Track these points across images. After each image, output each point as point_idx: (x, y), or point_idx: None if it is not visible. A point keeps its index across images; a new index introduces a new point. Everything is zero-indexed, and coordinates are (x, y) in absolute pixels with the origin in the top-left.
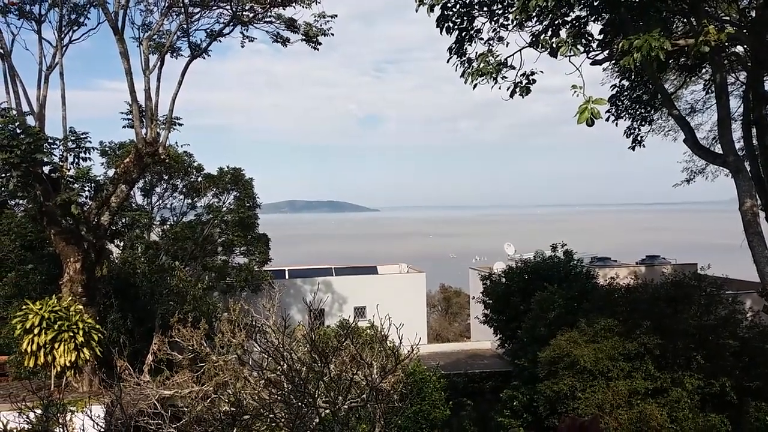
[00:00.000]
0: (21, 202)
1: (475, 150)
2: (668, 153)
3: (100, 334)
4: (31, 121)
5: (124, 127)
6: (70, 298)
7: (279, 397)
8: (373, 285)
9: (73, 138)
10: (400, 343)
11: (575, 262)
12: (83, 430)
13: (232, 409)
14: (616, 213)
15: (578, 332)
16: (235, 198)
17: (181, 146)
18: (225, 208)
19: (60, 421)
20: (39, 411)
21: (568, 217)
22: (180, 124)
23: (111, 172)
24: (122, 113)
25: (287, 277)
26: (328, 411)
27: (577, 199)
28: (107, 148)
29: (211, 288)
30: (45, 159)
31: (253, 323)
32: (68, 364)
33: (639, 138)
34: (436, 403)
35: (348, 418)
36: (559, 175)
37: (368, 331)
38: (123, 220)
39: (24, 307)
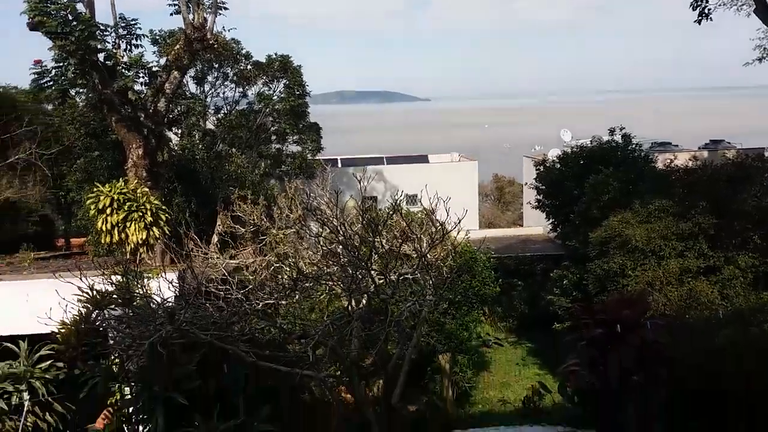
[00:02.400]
0: (81, 91)
1: (535, 34)
2: (744, 34)
3: (167, 215)
4: (81, 8)
5: (171, 14)
6: (135, 182)
7: (336, 267)
8: (424, 174)
9: (123, 25)
10: (448, 215)
11: (633, 146)
12: (159, 291)
13: (293, 275)
14: (684, 98)
15: (632, 213)
16: (285, 86)
17: (228, 31)
18: (275, 97)
19: (138, 283)
20: (119, 277)
21: (633, 103)
22: (225, 8)
23: (162, 61)
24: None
25: (339, 165)
26: (381, 281)
27: (644, 85)
28: (157, 37)
29: (268, 175)
30: (99, 46)
31: (309, 201)
32: (140, 242)
33: (706, 11)
34: (486, 281)
35: (397, 284)
36: (624, 60)
37: (419, 214)
38: (178, 108)
39: (95, 189)
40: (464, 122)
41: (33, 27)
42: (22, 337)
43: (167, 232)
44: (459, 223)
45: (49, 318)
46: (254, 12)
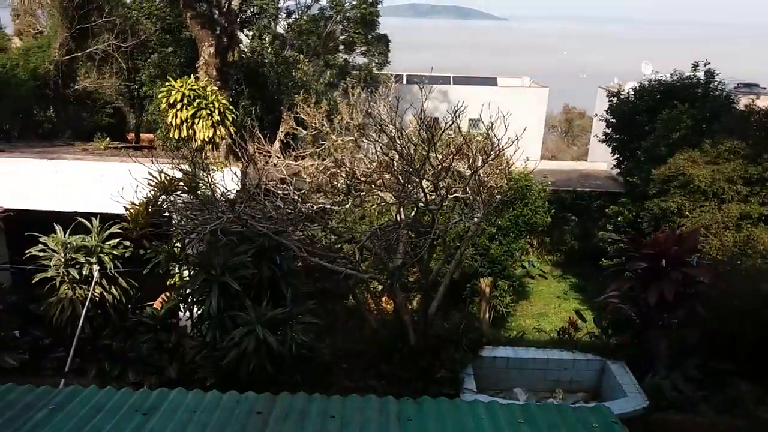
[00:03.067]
0: None
1: None
2: None
3: (233, 115)
4: None
5: None
6: (206, 80)
7: (389, 176)
8: (491, 96)
9: None
10: (506, 130)
11: (716, 83)
12: (223, 182)
13: (348, 181)
14: None
15: (700, 152)
16: None
17: None
18: (347, 4)
19: (204, 174)
20: (187, 167)
21: (730, 37)
22: None
23: None
24: None
25: (405, 82)
26: (433, 196)
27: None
28: None
29: (332, 85)
30: None
31: (370, 109)
32: (207, 139)
33: None
34: (538, 210)
35: (446, 197)
36: None
37: (478, 137)
38: (251, 9)
39: (167, 84)
40: (542, 45)
41: None
42: (95, 215)
43: (233, 132)
44: (517, 140)
45: (121, 197)
46: None
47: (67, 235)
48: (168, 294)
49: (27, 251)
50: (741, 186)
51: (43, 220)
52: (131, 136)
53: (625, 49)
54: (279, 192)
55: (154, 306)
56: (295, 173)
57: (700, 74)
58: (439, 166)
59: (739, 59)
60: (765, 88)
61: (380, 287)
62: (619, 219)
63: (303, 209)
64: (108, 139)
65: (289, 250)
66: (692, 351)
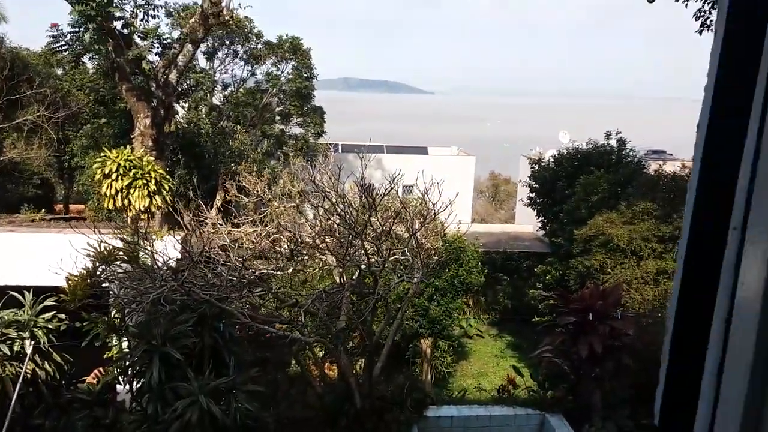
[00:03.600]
0: (94, 57)
1: (548, 32)
2: None
3: (170, 184)
4: None
5: None
6: (141, 150)
7: (332, 239)
8: (422, 165)
9: None
10: (440, 196)
11: (627, 150)
12: (165, 250)
13: (291, 246)
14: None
15: (617, 214)
16: (293, 68)
17: (244, 8)
18: (283, 78)
19: (145, 243)
20: (127, 237)
21: (639, 107)
22: None
23: (176, 34)
24: None
25: (340, 151)
26: (374, 259)
27: (654, 89)
28: (171, 9)
29: (270, 155)
30: (117, 13)
31: (311, 177)
32: (142, 209)
33: (708, 22)
34: (472, 270)
35: (387, 258)
36: (637, 63)
37: (413, 202)
38: (188, 82)
39: (102, 154)
40: (467, 117)
41: None
42: (28, 288)
43: (169, 201)
44: (450, 204)
45: (60, 268)
46: None
47: None
48: (103, 368)
49: None
50: (656, 244)
51: None
52: (59, 207)
53: (546, 120)
54: (220, 259)
55: (88, 381)
56: (235, 240)
57: (613, 142)
58: (380, 229)
59: (647, 128)
60: (671, 155)
61: (322, 353)
62: (547, 277)
63: (246, 275)
64: (44, 210)
65: (232, 317)
66: (622, 402)
